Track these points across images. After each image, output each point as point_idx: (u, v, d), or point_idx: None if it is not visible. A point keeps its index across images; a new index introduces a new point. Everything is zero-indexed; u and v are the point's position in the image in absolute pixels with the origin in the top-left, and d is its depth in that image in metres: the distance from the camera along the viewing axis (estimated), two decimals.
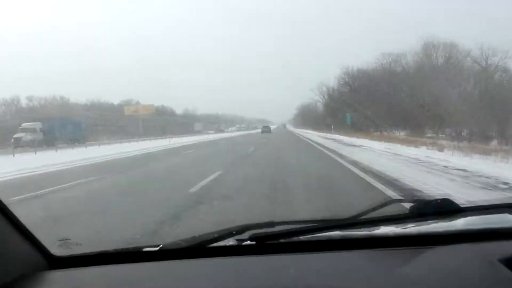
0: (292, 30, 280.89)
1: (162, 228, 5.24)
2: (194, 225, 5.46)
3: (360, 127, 50.06)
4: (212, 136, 55.80)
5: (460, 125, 33.57)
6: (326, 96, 67.43)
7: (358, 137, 32.63)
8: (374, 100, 45.73)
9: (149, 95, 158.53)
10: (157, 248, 1.30)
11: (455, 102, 34.33)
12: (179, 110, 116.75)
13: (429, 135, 34.96)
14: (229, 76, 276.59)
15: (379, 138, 29.52)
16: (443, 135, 32.16)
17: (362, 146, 23.48)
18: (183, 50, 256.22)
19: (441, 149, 16.82)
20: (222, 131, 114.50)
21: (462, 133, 32.72)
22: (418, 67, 45.41)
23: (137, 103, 72.63)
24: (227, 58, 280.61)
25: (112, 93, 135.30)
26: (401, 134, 40.60)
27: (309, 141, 33.70)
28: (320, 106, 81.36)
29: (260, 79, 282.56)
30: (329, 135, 44.10)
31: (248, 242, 1.30)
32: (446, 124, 36.20)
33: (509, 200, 2.17)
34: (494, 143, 25.46)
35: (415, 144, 20.38)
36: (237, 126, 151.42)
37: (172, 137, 56.71)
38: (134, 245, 1.37)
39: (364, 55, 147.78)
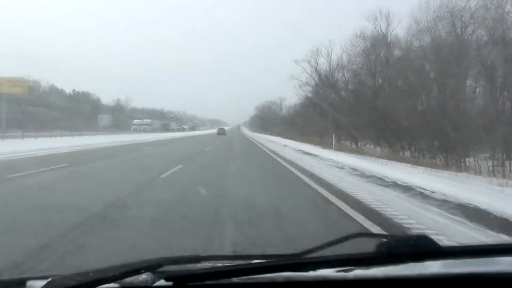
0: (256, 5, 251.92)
1: None
2: None
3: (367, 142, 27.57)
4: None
5: None
6: (321, 76, 38.74)
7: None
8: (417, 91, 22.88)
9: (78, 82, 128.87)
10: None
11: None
12: (109, 101, 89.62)
13: None
14: (180, 70, 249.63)
15: None
16: None
17: None
18: (128, 34, 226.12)
19: None
20: None
21: None
22: None
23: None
24: (177, 48, 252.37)
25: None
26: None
27: None
28: (295, 100, 57.51)
29: (216, 76, 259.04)
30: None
31: (162, 283, 1.01)
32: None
33: (497, 242, 1.77)
34: None
35: None
36: (136, 121, 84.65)
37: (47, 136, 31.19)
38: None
39: None
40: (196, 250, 1.00)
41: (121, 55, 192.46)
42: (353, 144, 32.05)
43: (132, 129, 75.00)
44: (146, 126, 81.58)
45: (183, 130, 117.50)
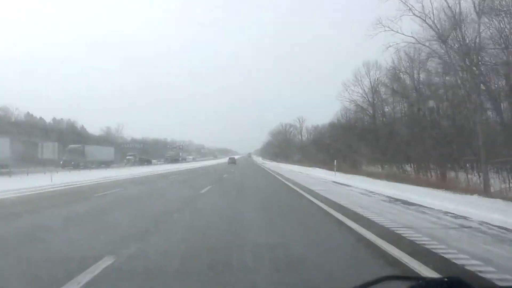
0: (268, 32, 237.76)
1: None
2: None
3: None
4: None
5: None
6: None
7: None
8: None
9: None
10: None
11: None
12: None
13: None
14: (186, 98, 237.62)
15: None
16: None
17: None
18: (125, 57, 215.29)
19: None
20: None
21: None
22: None
23: None
24: (182, 74, 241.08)
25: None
26: None
27: None
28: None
29: (224, 104, 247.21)
30: None
31: None
32: None
33: None
34: None
35: None
36: None
37: None
38: None
39: None
40: None
41: (122, 83, 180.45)
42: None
43: None
44: None
45: (143, 163, 59.89)
